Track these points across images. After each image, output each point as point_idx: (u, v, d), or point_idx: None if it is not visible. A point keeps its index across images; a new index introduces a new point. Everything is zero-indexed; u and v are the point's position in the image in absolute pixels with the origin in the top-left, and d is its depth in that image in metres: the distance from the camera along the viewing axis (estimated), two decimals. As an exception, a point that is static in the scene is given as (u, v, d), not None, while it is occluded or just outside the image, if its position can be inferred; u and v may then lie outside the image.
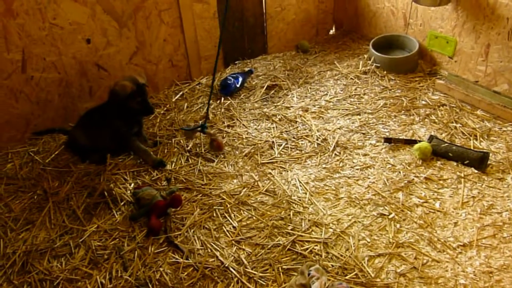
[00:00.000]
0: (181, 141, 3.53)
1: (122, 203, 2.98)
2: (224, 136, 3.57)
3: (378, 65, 4.30)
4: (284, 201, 2.94)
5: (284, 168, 3.23)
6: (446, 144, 3.20)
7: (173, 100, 4.07)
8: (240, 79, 4.14)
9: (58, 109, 3.68)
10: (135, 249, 2.66)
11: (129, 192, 3.06)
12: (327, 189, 3.01)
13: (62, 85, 3.61)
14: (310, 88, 4.17)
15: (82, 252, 2.66)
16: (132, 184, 3.14)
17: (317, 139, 3.46)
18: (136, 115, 3.32)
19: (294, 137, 3.51)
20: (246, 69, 4.45)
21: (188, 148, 3.46)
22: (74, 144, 3.40)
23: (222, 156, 3.38)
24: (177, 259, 2.58)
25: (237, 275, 2.46)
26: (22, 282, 2.50)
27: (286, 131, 3.59)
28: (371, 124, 3.60)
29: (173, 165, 3.31)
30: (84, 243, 2.72)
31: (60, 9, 3.34)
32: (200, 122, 3.54)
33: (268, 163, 3.29)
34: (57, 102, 3.65)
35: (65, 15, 3.37)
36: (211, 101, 4.00)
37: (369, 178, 3.08)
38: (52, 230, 2.82)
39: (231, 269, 2.50)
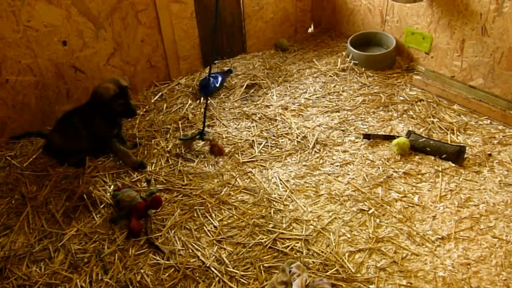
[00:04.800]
0: (161, 142, 3.52)
1: (101, 206, 2.95)
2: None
3: (356, 62, 4.33)
4: (264, 199, 2.94)
5: (265, 166, 3.24)
6: (424, 139, 3.24)
7: (152, 101, 4.05)
8: (220, 78, 4.13)
9: (35, 113, 3.63)
10: (116, 251, 2.64)
11: (108, 194, 3.04)
12: (307, 186, 3.03)
13: (39, 88, 3.56)
14: (289, 86, 4.19)
15: (61, 256, 2.63)
16: (112, 186, 3.11)
17: (297, 137, 3.47)
18: (118, 117, 3.30)
19: (274, 136, 3.52)
20: (225, 68, 4.44)
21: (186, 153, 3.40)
22: (52, 147, 3.36)
23: (202, 156, 3.37)
24: (158, 260, 2.57)
25: (219, 275, 2.46)
26: (1, 288, 2.48)
27: (266, 130, 3.60)
28: (350, 120, 3.63)
29: (153, 166, 3.29)
30: (64, 247, 2.69)
31: (35, 11, 3.29)
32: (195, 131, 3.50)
33: (248, 161, 3.29)
34: (34, 105, 3.60)
35: (39, 17, 3.33)
36: (190, 101, 3.99)
37: (348, 174, 3.11)
38: (30, 235, 2.78)
39: (213, 268, 2.50)
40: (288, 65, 4.56)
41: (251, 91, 4.14)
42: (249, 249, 2.60)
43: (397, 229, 2.67)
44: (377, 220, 2.74)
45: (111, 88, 3.08)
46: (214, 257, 2.57)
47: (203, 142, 3.45)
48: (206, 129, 3.43)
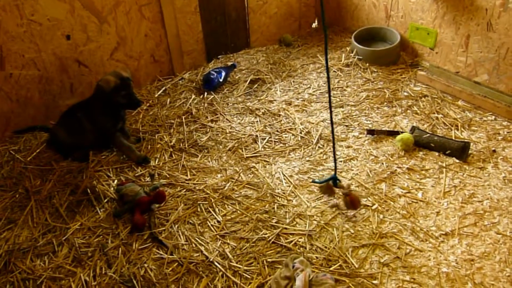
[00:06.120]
0: (165, 137, 3.52)
1: (105, 200, 2.96)
2: (208, 131, 3.56)
3: (361, 57, 4.31)
4: (268, 195, 2.94)
5: (268, 161, 3.24)
6: (428, 135, 3.23)
7: (156, 95, 4.05)
8: (223, 73, 4.12)
9: (38, 107, 3.63)
10: (119, 245, 2.64)
11: (112, 188, 3.04)
12: (310, 182, 3.02)
13: (42, 82, 3.57)
14: (293, 81, 4.18)
15: (65, 250, 2.64)
16: (116, 181, 3.12)
17: (300, 132, 3.47)
18: (122, 109, 3.30)
19: (277, 131, 3.52)
20: (229, 63, 4.43)
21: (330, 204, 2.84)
22: (56, 141, 3.36)
23: (206, 151, 3.37)
24: (161, 254, 2.58)
25: (222, 269, 2.46)
26: (5, 282, 2.47)
27: (269, 125, 3.59)
28: (354, 116, 3.62)
29: (156, 161, 3.29)
30: (68, 241, 2.69)
31: (38, 5, 3.29)
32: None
33: (252, 157, 3.29)
34: (37, 100, 3.61)
35: (43, 11, 3.32)
36: (194, 96, 3.98)
37: (352, 170, 3.10)
38: (34, 229, 2.79)
39: (216, 263, 2.50)
40: (292, 60, 4.55)
41: (255, 86, 4.13)
42: (253, 244, 2.60)
43: (400, 224, 2.67)
44: (381, 216, 2.73)
45: (112, 80, 3.08)
46: (217, 251, 2.57)
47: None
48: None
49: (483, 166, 3.03)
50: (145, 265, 2.52)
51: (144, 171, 3.21)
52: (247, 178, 3.10)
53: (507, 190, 2.83)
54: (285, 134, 3.49)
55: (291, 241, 2.60)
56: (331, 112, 2.66)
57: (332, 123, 2.70)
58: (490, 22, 3.42)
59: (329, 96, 2.60)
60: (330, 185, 2.79)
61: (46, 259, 2.60)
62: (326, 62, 2.59)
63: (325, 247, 2.55)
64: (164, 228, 2.74)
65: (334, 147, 2.82)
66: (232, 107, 3.86)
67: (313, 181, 3.01)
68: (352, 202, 2.68)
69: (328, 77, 2.58)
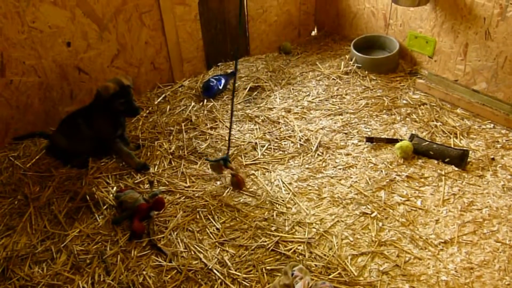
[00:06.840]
0: (164, 144, 3.52)
1: (104, 207, 2.96)
2: (207, 138, 3.57)
3: (360, 65, 4.33)
4: (267, 202, 2.94)
5: (267, 169, 3.24)
6: (427, 143, 3.24)
7: (156, 102, 4.05)
8: (223, 81, 4.14)
9: (38, 113, 3.64)
10: (118, 253, 2.64)
11: (111, 195, 3.04)
12: (310, 189, 3.03)
13: (43, 89, 3.57)
14: (292, 89, 4.19)
15: (64, 257, 2.64)
16: (115, 188, 3.12)
17: (299, 140, 3.47)
18: (121, 116, 3.30)
19: (277, 138, 3.52)
20: (229, 71, 4.44)
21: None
22: (56, 148, 3.36)
23: (205, 159, 3.37)
24: (160, 262, 2.57)
25: (221, 277, 2.46)
26: (3, 289, 2.48)
27: (269, 132, 3.60)
28: (353, 124, 3.63)
29: (156, 168, 3.29)
30: (66, 248, 2.69)
31: (39, 12, 3.30)
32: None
33: (251, 164, 3.29)
34: (37, 106, 3.61)
35: (44, 18, 3.34)
36: (193, 103, 3.99)
37: (351, 177, 3.10)
38: (33, 236, 2.78)
39: (215, 271, 2.49)
40: (291, 68, 4.56)
41: (254, 93, 4.14)
42: (252, 252, 2.60)
43: (399, 232, 2.67)
44: (380, 224, 2.74)
45: (111, 87, 3.09)
46: (216, 259, 2.57)
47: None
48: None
49: (482, 174, 3.04)
50: (144, 272, 2.51)
51: (143, 178, 3.20)
52: (246, 185, 3.10)
53: (506, 198, 2.84)
54: (285, 141, 3.50)
55: (290, 249, 2.60)
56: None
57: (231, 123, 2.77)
58: (488, 31, 3.44)
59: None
60: (220, 164, 3.01)
61: (45, 266, 2.59)
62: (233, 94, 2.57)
63: (324, 255, 2.55)
64: (163, 235, 2.74)
65: (230, 133, 3.06)
66: (231, 115, 3.86)
67: (206, 159, 3.27)
68: (238, 182, 2.94)
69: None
